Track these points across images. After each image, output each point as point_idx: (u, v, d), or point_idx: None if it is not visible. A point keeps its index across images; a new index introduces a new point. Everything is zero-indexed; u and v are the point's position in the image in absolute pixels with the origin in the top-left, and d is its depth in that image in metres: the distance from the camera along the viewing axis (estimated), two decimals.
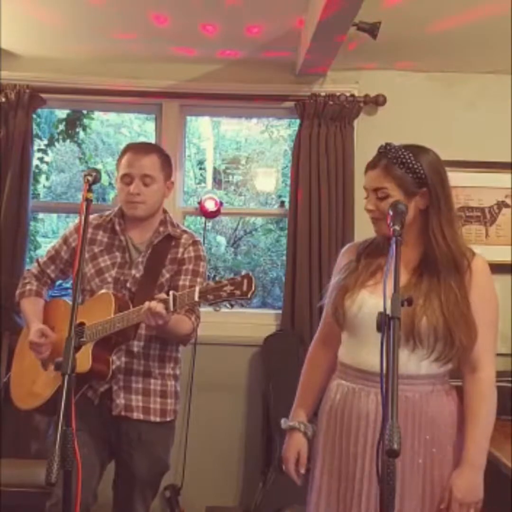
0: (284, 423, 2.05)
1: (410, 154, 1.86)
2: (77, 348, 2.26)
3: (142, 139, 5.56)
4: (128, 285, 2.40)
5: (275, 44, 3.18)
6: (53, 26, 3.08)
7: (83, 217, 1.86)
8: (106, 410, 2.36)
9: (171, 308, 2.10)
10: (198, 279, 2.41)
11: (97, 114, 5.20)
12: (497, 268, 3.40)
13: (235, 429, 3.60)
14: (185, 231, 2.53)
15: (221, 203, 3.65)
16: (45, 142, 5.10)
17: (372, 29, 2.75)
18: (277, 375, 3.35)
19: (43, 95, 3.49)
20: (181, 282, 2.40)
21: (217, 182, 5.62)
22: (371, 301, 1.85)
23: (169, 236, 2.46)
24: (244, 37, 3.12)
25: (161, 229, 2.48)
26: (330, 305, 1.96)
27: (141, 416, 2.38)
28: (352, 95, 3.47)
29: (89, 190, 1.94)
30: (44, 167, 5.06)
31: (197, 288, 2.03)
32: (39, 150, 4.83)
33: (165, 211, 2.54)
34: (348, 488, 1.87)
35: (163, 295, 2.15)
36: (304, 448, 2.01)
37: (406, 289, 1.81)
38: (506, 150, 3.48)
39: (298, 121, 3.54)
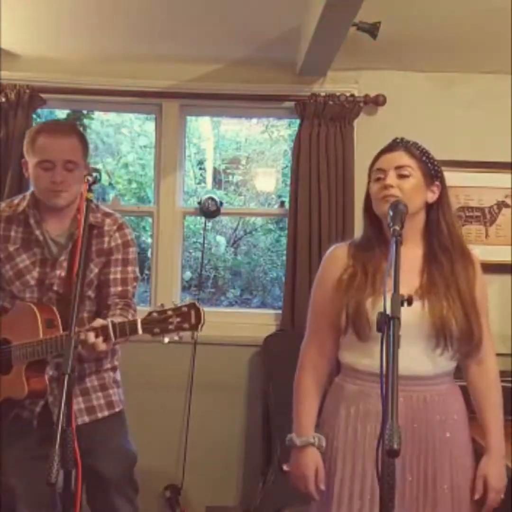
0: (297, 439, 1.94)
1: (426, 148, 1.91)
2: (8, 370, 2.15)
3: (142, 139, 5.55)
4: (55, 287, 2.21)
5: (275, 44, 3.18)
6: (53, 26, 3.08)
7: (83, 217, 1.86)
8: (48, 426, 2.07)
9: (113, 340, 1.93)
10: (129, 268, 2.29)
11: (97, 114, 5.19)
12: (497, 268, 3.44)
13: (235, 429, 3.60)
14: (106, 215, 2.33)
15: (221, 203, 3.65)
16: None
17: (372, 29, 2.76)
18: (277, 375, 3.35)
19: (43, 95, 3.49)
20: (112, 276, 2.26)
21: (217, 182, 5.61)
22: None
23: (91, 225, 2.22)
24: (244, 37, 3.12)
25: (79, 217, 2.25)
26: (346, 317, 1.86)
27: (87, 419, 2.27)
28: (352, 95, 3.47)
29: (89, 190, 1.94)
30: None
31: (139, 320, 1.88)
32: None
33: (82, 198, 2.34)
34: (374, 492, 1.80)
35: (99, 322, 1.97)
36: (321, 462, 1.92)
37: (424, 292, 1.83)
38: (506, 150, 3.48)
39: (298, 121, 3.55)
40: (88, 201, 1.91)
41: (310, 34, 2.77)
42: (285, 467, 2.05)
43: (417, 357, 1.83)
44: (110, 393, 2.33)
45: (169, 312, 1.84)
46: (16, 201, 2.34)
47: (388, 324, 1.48)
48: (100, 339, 1.93)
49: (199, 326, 1.82)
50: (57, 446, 1.52)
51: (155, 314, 1.86)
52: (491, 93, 3.52)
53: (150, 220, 3.93)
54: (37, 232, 2.25)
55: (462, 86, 3.55)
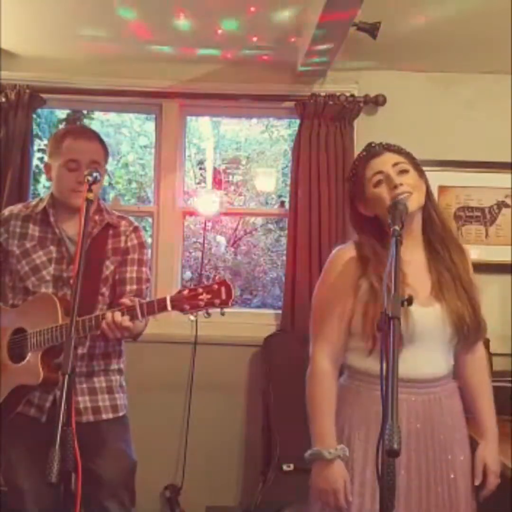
0: (326, 451, 1.81)
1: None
2: (20, 359, 2.18)
3: (142, 139, 5.56)
4: (71, 282, 2.22)
5: (275, 44, 3.18)
6: (53, 26, 3.08)
7: (83, 217, 1.86)
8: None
9: (139, 318, 1.99)
10: (143, 269, 2.35)
11: (97, 114, 5.20)
12: (497, 268, 3.45)
13: (235, 429, 3.60)
14: (121, 217, 2.42)
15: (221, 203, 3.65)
16: (45, 142, 5.09)
17: (372, 29, 2.75)
18: (277, 375, 3.35)
19: (43, 95, 3.49)
20: (128, 274, 2.32)
21: (217, 182, 5.62)
22: (419, 311, 1.78)
23: (107, 224, 2.34)
24: (244, 37, 3.12)
25: (97, 217, 2.34)
26: (371, 327, 1.79)
27: (91, 418, 2.29)
28: (352, 95, 3.47)
29: (89, 190, 1.94)
30: None
31: (168, 297, 1.92)
32: (39, 150, 4.83)
33: (98, 198, 2.39)
34: (374, 495, 1.77)
35: (127, 302, 2.03)
36: (348, 475, 1.82)
37: (438, 293, 1.85)
38: (506, 150, 3.48)
39: (298, 121, 3.55)
40: (88, 201, 1.91)
41: (310, 34, 2.77)
42: (332, 502, 1.85)
43: (439, 358, 1.87)
44: (116, 397, 2.35)
45: (199, 289, 1.88)
46: (33, 203, 2.40)
47: (388, 324, 1.48)
48: (127, 317, 1.98)
49: (230, 302, 1.87)
50: (57, 446, 1.52)
51: (185, 292, 1.90)
52: (491, 93, 3.53)
53: (150, 220, 3.94)
54: (56, 230, 2.31)
55: (462, 86, 3.55)
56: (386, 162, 1.87)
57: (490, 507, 1.93)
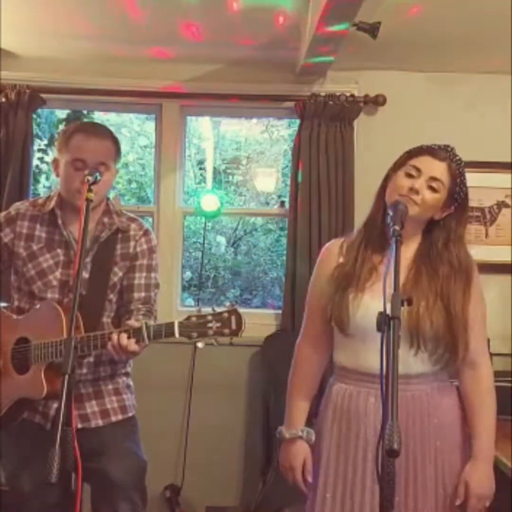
0: (287, 432, 1.97)
1: (465, 170, 1.88)
2: (23, 370, 2.14)
3: (142, 139, 5.56)
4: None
5: (275, 44, 3.18)
6: (53, 26, 3.08)
7: (83, 217, 1.86)
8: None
9: (146, 342, 1.93)
10: (152, 274, 2.29)
11: (97, 114, 5.19)
12: (497, 268, 3.45)
13: (235, 429, 3.60)
14: (131, 219, 2.33)
15: (221, 203, 3.65)
16: (45, 142, 5.10)
17: (372, 29, 2.75)
18: (277, 375, 3.35)
19: (43, 95, 3.49)
20: (136, 281, 2.25)
21: (217, 182, 5.62)
22: (373, 304, 1.78)
23: (117, 228, 2.26)
24: (244, 37, 3.12)
25: (106, 220, 2.26)
26: (330, 310, 1.88)
27: (100, 422, 2.24)
28: (352, 95, 3.47)
29: (89, 190, 1.93)
30: (44, 167, 5.06)
31: (176, 322, 1.87)
32: (39, 150, 4.84)
33: (107, 199, 2.32)
34: (354, 490, 1.85)
35: (133, 324, 1.97)
36: (309, 455, 1.94)
37: (406, 290, 1.79)
38: (506, 150, 3.47)
39: (298, 121, 3.55)
40: (88, 201, 1.90)
41: (310, 34, 2.76)
42: (289, 478, 2.02)
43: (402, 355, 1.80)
44: (124, 398, 2.32)
45: (209, 317, 1.84)
46: (40, 201, 2.31)
47: (388, 324, 1.48)
48: (133, 340, 1.93)
49: (240, 333, 1.82)
50: (57, 446, 1.51)
51: (193, 318, 1.86)
52: (491, 93, 3.52)
53: (150, 220, 3.93)
54: (64, 233, 2.23)
55: (462, 86, 3.54)
56: (430, 168, 1.84)
57: (490, 507, 1.92)
